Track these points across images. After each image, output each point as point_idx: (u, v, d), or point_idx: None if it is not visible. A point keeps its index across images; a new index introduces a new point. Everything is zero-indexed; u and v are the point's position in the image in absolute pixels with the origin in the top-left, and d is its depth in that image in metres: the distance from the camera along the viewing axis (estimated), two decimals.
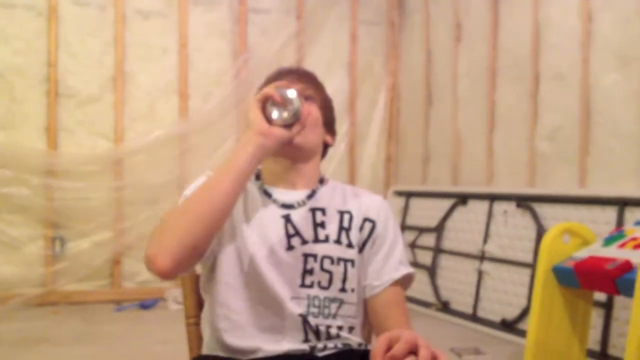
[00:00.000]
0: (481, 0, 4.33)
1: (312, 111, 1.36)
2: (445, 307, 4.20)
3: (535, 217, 3.59)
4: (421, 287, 4.38)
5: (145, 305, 4.36)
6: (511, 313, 3.65)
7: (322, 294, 1.30)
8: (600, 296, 2.98)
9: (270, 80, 1.40)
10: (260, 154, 1.25)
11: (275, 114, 1.27)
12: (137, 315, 4.22)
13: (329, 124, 1.44)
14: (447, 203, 4.36)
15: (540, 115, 3.86)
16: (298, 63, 4.97)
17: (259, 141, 1.24)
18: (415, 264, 4.44)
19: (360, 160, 5.28)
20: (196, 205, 1.21)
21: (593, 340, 2.97)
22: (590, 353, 2.90)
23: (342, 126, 5.10)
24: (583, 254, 2.54)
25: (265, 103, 1.27)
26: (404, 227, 4.69)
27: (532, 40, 3.88)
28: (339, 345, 1.30)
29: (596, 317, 3.01)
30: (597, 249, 2.55)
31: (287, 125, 1.27)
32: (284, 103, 1.27)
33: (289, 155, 1.35)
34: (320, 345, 1.28)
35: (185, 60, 4.74)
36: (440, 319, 4.14)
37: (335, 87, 5.00)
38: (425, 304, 4.32)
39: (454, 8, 4.61)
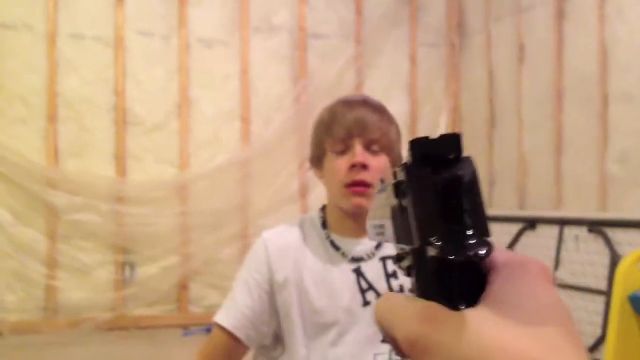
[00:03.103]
0: (545, 20, 4.26)
1: (381, 165, 1.33)
2: None
3: (608, 242, 3.49)
4: None
5: (212, 330, 4.39)
6: (585, 342, 3.53)
7: None
8: None
9: (328, 124, 1.35)
10: None
11: None
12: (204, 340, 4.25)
13: (395, 160, 1.40)
14: (514, 228, 4.27)
15: (610, 137, 3.76)
16: (357, 87, 4.98)
17: None
18: None
19: None
20: None
21: None
22: None
23: (403, 151, 5.06)
24: None
25: None
26: None
27: (600, 60, 3.79)
28: None
29: None
30: None
31: None
32: None
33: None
34: None
35: (247, 87, 4.81)
36: None
37: (395, 110, 4.82)
38: None
39: (516, 28, 4.55)
